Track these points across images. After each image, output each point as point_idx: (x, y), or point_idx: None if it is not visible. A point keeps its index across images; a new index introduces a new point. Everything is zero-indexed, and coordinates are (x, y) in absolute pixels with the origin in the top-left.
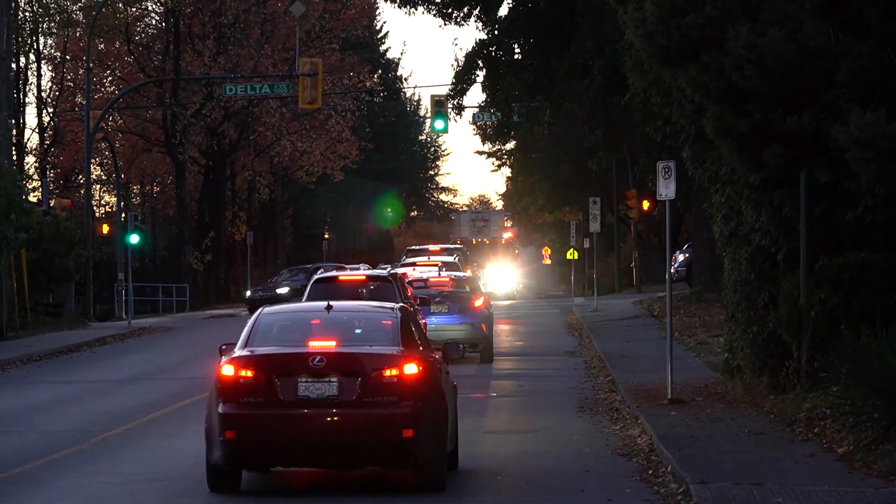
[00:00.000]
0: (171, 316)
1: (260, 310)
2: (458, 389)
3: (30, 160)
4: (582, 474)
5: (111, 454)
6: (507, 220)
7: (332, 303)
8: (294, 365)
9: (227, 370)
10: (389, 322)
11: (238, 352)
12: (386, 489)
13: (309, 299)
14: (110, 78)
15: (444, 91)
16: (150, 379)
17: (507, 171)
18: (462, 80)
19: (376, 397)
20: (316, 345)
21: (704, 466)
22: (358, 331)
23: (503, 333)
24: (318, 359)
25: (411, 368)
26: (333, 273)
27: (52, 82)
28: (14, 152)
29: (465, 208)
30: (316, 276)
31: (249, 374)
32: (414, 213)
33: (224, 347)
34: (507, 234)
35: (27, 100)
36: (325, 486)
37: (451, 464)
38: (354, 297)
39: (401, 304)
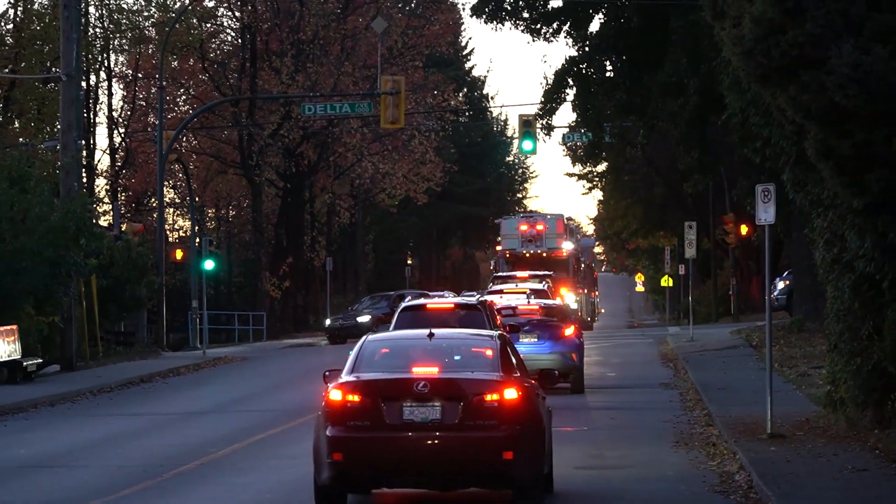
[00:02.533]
0: (247, 345)
1: (364, 337)
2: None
3: (100, 182)
4: None
5: (182, 490)
6: (569, 224)
7: (433, 330)
8: (399, 390)
9: (335, 395)
10: (489, 349)
11: (345, 377)
12: None
13: (396, 327)
14: (184, 97)
15: (532, 110)
16: (225, 411)
17: (598, 194)
18: (551, 98)
19: (477, 421)
20: (420, 371)
21: None
22: (458, 357)
23: (594, 364)
24: (422, 384)
25: (511, 393)
26: (421, 301)
27: (124, 101)
28: (84, 174)
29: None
30: (403, 304)
31: (356, 398)
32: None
33: (328, 374)
34: (569, 245)
35: (98, 120)
36: None
37: (547, 487)
38: (442, 326)
39: (499, 332)
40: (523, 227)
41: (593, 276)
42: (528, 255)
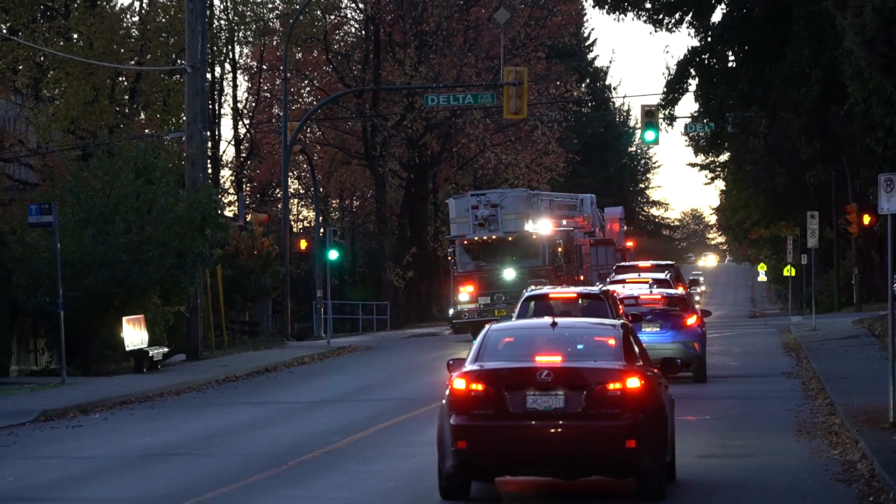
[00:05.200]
0: (371, 335)
1: (488, 326)
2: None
3: (225, 173)
4: (799, 501)
5: (307, 479)
6: (554, 199)
7: (556, 319)
8: (522, 379)
9: (459, 384)
10: (612, 338)
11: (468, 366)
12: (606, 498)
13: (520, 317)
14: (308, 88)
15: (654, 101)
16: (349, 400)
17: (720, 184)
18: (673, 89)
19: (600, 410)
20: (543, 360)
21: None
22: (581, 346)
23: (716, 353)
24: (545, 373)
25: (634, 382)
26: (545, 290)
27: (248, 93)
28: (209, 165)
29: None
30: (527, 293)
31: (480, 387)
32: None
33: (451, 363)
34: (542, 226)
35: (223, 111)
36: (547, 494)
37: (669, 475)
38: (565, 314)
39: (622, 321)
40: (473, 208)
41: (618, 254)
42: (489, 240)
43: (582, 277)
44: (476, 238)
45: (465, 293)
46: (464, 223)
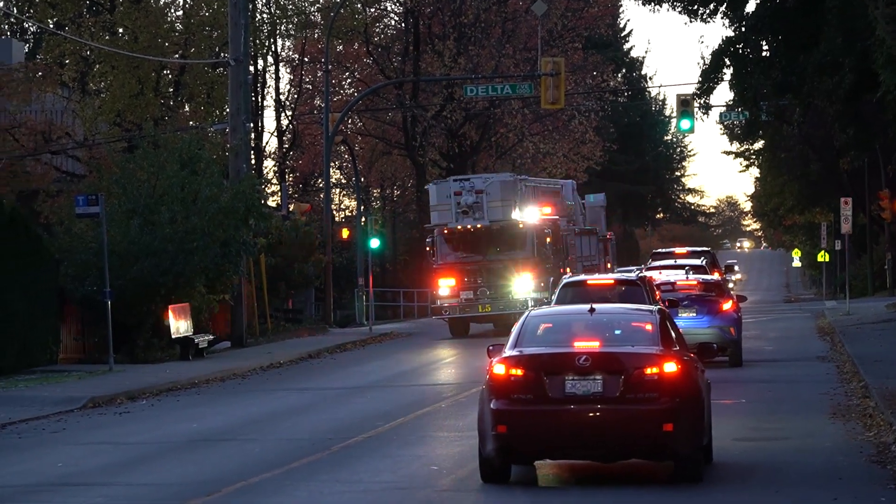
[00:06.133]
0: (412, 321)
1: (527, 312)
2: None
3: (268, 164)
4: (834, 482)
5: (350, 463)
6: (537, 185)
7: (594, 305)
8: (561, 364)
9: (499, 369)
10: (649, 323)
11: (508, 352)
12: (644, 481)
13: (558, 302)
14: (349, 80)
15: (689, 90)
16: (391, 386)
17: (755, 171)
18: (708, 78)
19: (638, 394)
20: (581, 345)
21: None
22: (619, 332)
23: (751, 338)
24: (583, 358)
25: (671, 367)
26: (582, 277)
27: (291, 85)
28: (252, 156)
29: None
30: (565, 280)
31: (519, 372)
32: (660, 216)
33: (491, 348)
34: (529, 214)
35: (265, 103)
36: (586, 477)
37: (706, 457)
38: (603, 301)
39: (659, 307)
40: (456, 194)
41: (604, 247)
42: (471, 229)
43: (568, 270)
44: (459, 227)
45: (447, 287)
46: (445, 211)
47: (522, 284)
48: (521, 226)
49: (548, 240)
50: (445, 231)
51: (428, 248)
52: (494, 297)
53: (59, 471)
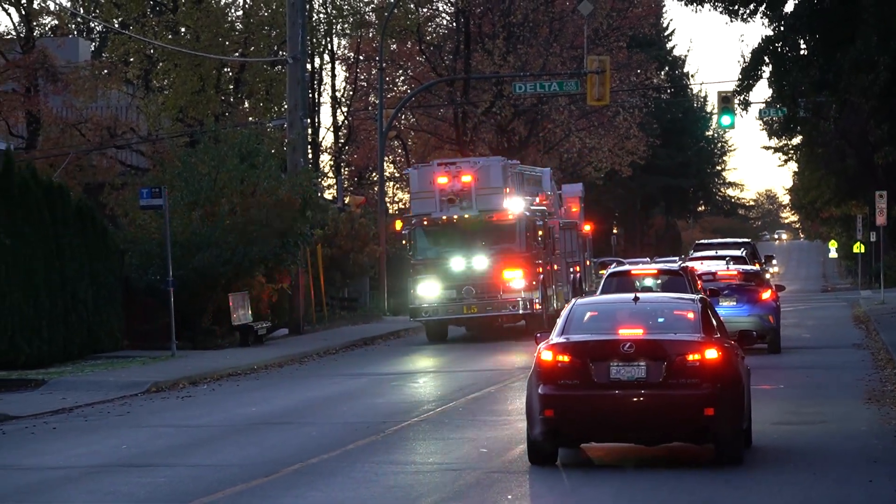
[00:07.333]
0: None
1: (573, 300)
2: None
3: (325, 158)
4: (870, 464)
5: (404, 445)
6: (523, 171)
7: (638, 294)
8: (606, 350)
9: (546, 356)
10: (691, 312)
11: (555, 339)
12: (685, 463)
13: (603, 292)
14: (402, 77)
15: (730, 87)
16: (442, 371)
17: (793, 166)
18: (748, 76)
19: (680, 379)
20: (625, 332)
21: None
22: (662, 320)
23: (789, 326)
24: (628, 345)
25: (712, 353)
26: (626, 267)
27: (346, 82)
28: (309, 151)
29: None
30: (610, 270)
31: (566, 358)
32: (701, 208)
33: (539, 336)
34: (519, 203)
35: (322, 100)
36: (630, 459)
37: (746, 441)
38: (646, 290)
39: (700, 296)
40: (441, 180)
41: (580, 240)
42: (457, 219)
43: (556, 266)
44: (444, 217)
45: (426, 286)
46: (429, 198)
47: (512, 283)
48: (511, 216)
49: (539, 232)
50: (425, 222)
51: (404, 242)
52: (481, 297)
53: (123, 452)
